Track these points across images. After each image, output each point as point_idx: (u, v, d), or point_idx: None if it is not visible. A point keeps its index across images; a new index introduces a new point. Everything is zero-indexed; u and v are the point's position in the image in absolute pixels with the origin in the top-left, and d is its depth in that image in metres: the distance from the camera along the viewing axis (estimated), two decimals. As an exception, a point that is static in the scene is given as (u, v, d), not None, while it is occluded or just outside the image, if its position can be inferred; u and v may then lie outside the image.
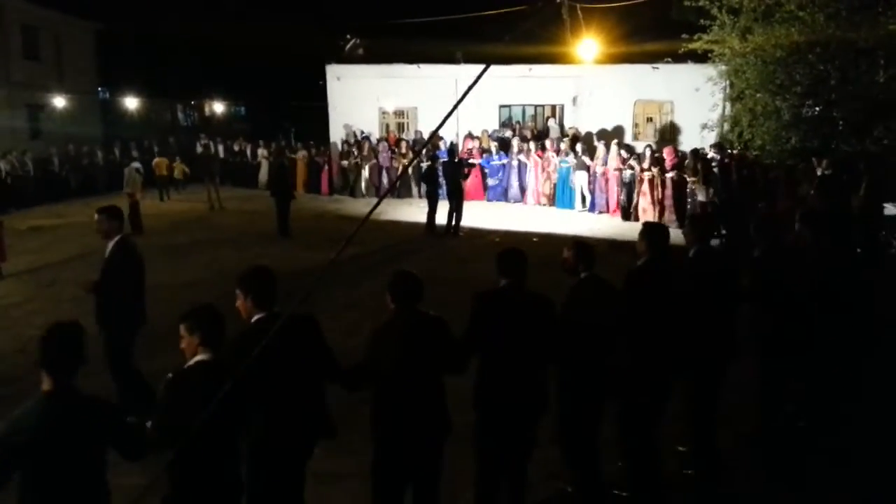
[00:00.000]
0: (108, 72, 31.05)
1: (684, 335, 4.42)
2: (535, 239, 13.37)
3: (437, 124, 19.86)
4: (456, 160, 15.10)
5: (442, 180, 14.81)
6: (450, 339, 3.76)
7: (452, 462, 3.92)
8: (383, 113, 21.86)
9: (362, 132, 21.04)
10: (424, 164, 16.61)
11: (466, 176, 15.37)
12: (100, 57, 28.78)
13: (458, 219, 13.89)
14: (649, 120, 20.68)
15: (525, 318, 3.89)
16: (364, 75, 21.47)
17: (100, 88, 30.96)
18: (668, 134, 19.83)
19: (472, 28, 20.06)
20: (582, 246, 4.32)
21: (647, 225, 4.81)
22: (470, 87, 2.51)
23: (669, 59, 18.97)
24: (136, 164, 15.39)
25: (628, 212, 15.57)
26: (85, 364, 2.92)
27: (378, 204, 2.87)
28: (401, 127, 21.79)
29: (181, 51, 34.47)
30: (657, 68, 19.59)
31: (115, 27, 29.10)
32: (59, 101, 25.06)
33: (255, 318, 3.48)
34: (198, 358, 3.17)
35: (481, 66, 19.56)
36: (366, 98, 21.31)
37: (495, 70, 18.35)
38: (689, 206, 14.06)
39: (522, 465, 4.08)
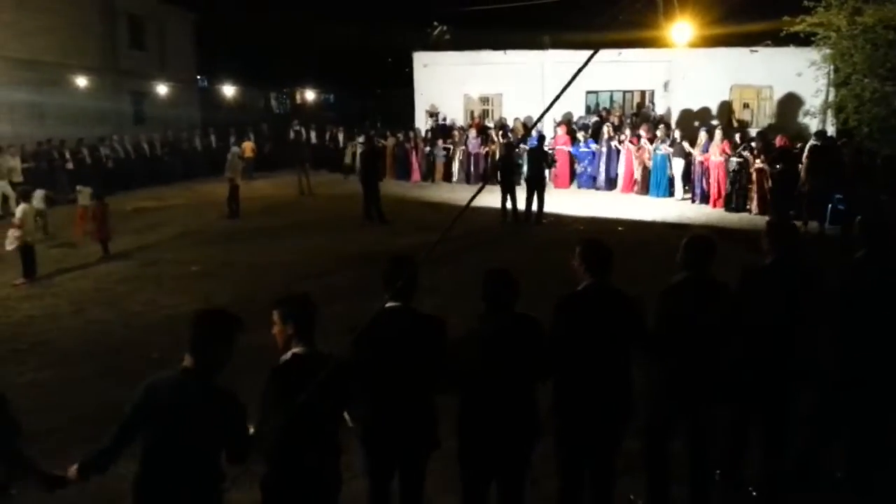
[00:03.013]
0: (206, 61, 32.42)
1: (811, 344, 4.13)
2: (620, 228, 13.10)
3: (521, 110, 19.74)
4: (544, 149, 14.92)
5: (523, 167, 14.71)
6: (542, 342, 3.60)
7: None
8: (468, 99, 21.90)
9: (444, 116, 21.19)
10: (524, 148, 16.45)
11: (551, 165, 15.19)
12: (199, 46, 30.08)
13: (541, 206, 13.75)
14: (746, 106, 19.85)
15: (610, 320, 3.67)
16: (450, 62, 21.55)
17: (198, 77, 32.35)
18: (768, 121, 19.00)
19: (558, 14, 19.80)
20: (691, 242, 4.00)
21: (772, 224, 4.41)
22: (577, 73, 2.46)
23: (769, 42, 18.14)
24: (236, 149, 16.32)
25: (733, 202, 14.84)
26: (228, 358, 2.99)
27: (478, 192, 2.84)
28: (485, 113, 21.77)
29: (274, 40, 35.58)
30: (756, 51, 18.76)
31: (212, 17, 30.34)
32: (162, 89, 26.37)
33: (388, 305, 3.45)
34: (294, 350, 3.16)
35: (567, 52, 19.47)
36: (451, 84, 21.40)
37: (583, 55, 18.03)
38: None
39: (608, 464, 3.89)
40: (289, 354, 3.17)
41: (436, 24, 23.61)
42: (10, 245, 9.92)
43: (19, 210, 10.18)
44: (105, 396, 5.91)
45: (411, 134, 20.69)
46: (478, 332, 3.56)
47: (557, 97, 2.69)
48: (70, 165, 18.11)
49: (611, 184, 17.80)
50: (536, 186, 13.69)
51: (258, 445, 3.06)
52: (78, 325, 8.08)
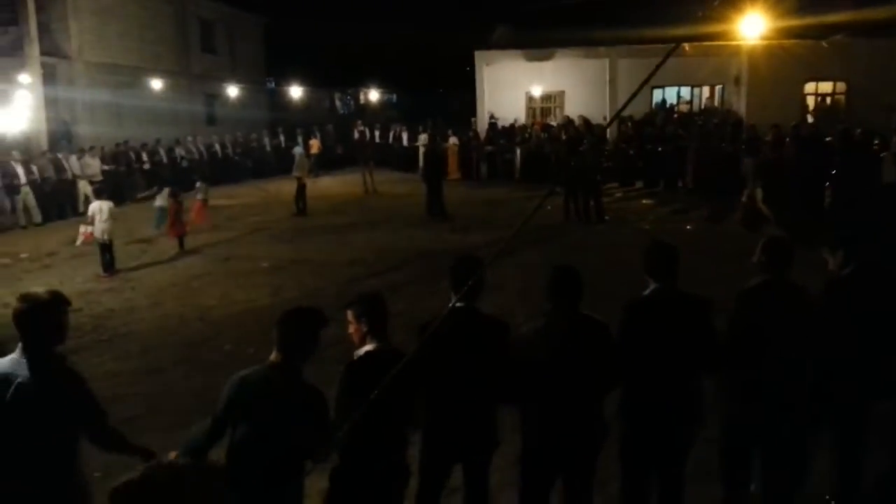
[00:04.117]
0: (273, 63, 33.25)
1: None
2: (688, 227, 12.82)
3: (584, 108, 19.50)
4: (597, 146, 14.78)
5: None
6: (609, 345, 3.55)
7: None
8: (530, 98, 21.79)
9: (493, 116, 21.16)
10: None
11: (602, 162, 15.03)
12: (267, 49, 30.87)
13: (599, 204, 13.57)
14: (821, 100, 19.12)
15: (678, 326, 3.57)
16: (512, 61, 21.48)
17: (267, 78, 33.22)
18: (843, 115, 18.25)
19: (621, 10, 19.44)
20: (770, 243, 3.79)
21: (840, 240, 4.12)
22: (652, 73, 2.47)
23: (845, 34, 17.41)
24: (300, 149, 16.98)
25: (806, 202, 14.18)
26: (312, 353, 3.11)
27: (548, 196, 2.85)
28: (547, 112, 21.62)
29: (339, 42, 36.21)
30: (831, 43, 18.04)
31: (280, 20, 31.11)
32: (233, 91, 27.20)
33: (454, 305, 3.43)
34: (367, 348, 3.27)
35: (631, 48, 19.13)
36: (514, 83, 21.35)
37: (648, 50, 17.71)
38: None
39: (677, 472, 3.79)
40: (363, 350, 3.27)
41: (498, 23, 23.55)
42: (78, 240, 10.44)
43: (91, 207, 10.69)
44: (181, 386, 6.18)
45: (471, 133, 20.75)
46: (543, 331, 3.51)
47: (633, 97, 2.68)
48: (147, 166, 18.88)
49: (677, 181, 17.38)
50: (591, 184, 13.55)
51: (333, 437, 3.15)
52: (155, 318, 8.43)
